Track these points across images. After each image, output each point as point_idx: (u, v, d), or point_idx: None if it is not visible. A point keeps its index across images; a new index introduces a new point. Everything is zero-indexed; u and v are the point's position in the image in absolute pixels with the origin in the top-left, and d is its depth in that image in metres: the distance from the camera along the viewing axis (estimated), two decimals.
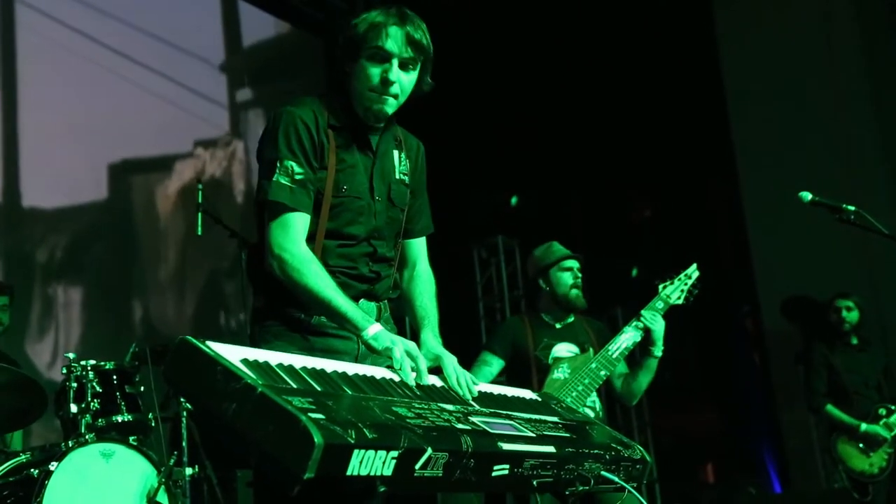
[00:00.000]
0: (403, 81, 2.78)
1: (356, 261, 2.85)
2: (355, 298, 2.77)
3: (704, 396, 12.30)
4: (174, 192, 8.14)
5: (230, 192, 8.71)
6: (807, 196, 3.85)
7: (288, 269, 2.67)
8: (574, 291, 4.79)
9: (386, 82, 2.75)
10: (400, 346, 2.56)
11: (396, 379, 2.45)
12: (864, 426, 6.49)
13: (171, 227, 8.07)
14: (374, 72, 2.75)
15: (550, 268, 4.83)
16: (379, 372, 2.44)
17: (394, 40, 2.72)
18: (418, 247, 3.12)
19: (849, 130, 8.91)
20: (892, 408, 6.58)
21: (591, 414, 4.43)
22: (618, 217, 11.96)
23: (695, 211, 11.63)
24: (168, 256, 7.99)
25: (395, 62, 2.74)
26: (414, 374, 2.48)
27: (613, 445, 2.55)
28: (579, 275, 4.83)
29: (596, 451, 2.43)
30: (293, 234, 2.71)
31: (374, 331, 2.63)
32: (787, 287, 9.06)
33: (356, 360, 2.76)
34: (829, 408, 6.65)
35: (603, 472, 2.40)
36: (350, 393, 2.15)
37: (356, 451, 1.84)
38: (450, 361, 2.65)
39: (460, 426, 2.14)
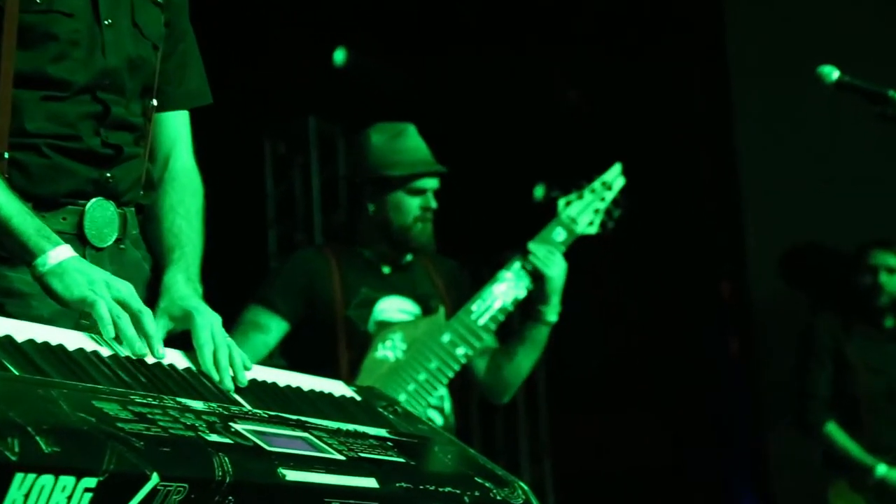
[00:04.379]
0: None
1: (75, 126, 1.86)
2: (83, 195, 1.86)
3: (645, 403, 8.29)
4: None
5: None
6: (831, 73, 2.54)
7: None
8: (419, 226, 3.24)
9: None
10: (105, 291, 1.65)
11: (107, 353, 1.61)
12: (880, 469, 4.35)
13: None
14: None
15: (394, 186, 3.26)
16: (77, 339, 1.62)
17: None
18: (177, 128, 2.10)
19: None
20: None
21: (439, 420, 3.14)
22: (526, 94, 6.37)
23: (638, 94, 6.31)
24: None
25: None
26: (139, 344, 1.61)
27: (477, 479, 1.79)
28: (434, 202, 3.27)
29: (447, 489, 1.69)
30: None
31: (61, 256, 1.66)
32: (787, 238, 5.93)
33: None
34: (831, 428, 4.50)
35: None
36: (17, 374, 1.42)
37: (19, 476, 1.22)
38: (206, 323, 1.77)
39: (214, 438, 1.46)
